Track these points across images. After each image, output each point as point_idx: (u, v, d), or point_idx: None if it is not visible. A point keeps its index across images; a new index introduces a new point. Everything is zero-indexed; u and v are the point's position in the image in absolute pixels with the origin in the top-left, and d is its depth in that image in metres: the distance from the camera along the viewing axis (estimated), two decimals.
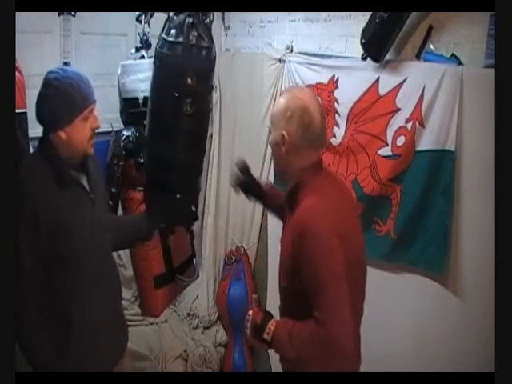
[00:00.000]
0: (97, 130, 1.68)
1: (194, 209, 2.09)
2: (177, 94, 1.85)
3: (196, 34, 1.82)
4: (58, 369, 1.60)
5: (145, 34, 2.40)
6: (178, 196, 1.98)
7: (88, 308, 1.66)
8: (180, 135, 1.92)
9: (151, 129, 1.98)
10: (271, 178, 3.05)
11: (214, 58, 1.92)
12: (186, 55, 1.83)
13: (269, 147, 2.99)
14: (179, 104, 1.86)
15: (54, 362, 1.60)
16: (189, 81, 1.85)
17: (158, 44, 1.90)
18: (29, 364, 1.59)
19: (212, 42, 1.90)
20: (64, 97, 1.57)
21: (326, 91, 2.54)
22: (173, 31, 1.84)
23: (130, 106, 2.35)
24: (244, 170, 1.91)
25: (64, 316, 1.62)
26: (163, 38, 1.86)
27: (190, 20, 1.81)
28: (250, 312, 1.58)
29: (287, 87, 2.56)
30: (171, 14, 1.89)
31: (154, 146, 1.99)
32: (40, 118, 1.61)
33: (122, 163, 2.31)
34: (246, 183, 1.91)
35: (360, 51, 2.29)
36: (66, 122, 1.58)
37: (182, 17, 1.83)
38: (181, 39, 1.82)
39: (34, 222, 1.52)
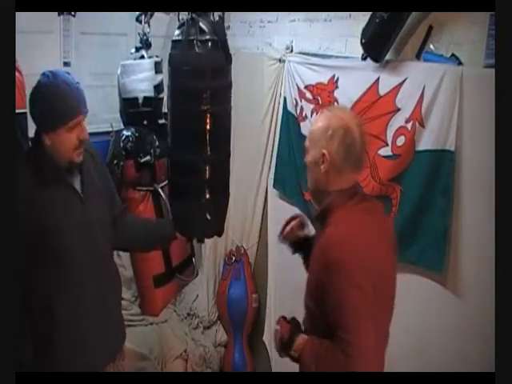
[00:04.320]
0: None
1: (209, 217, 1.95)
2: (188, 92, 1.81)
3: (196, 29, 1.80)
4: (37, 368, 1.58)
5: (145, 34, 2.40)
6: (206, 201, 1.89)
7: (74, 307, 1.64)
8: (198, 135, 1.85)
9: (173, 134, 1.92)
10: (271, 179, 3.06)
11: (225, 52, 1.86)
12: (187, 51, 1.81)
13: (269, 147, 3.05)
14: (192, 102, 1.82)
15: (32, 361, 1.59)
16: (197, 77, 1.81)
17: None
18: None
19: (217, 35, 1.86)
20: (47, 105, 1.56)
21: (325, 91, 2.54)
22: (176, 31, 1.85)
23: (129, 106, 2.35)
24: (302, 224, 1.80)
25: (48, 315, 1.60)
26: (171, 40, 1.87)
27: (189, 17, 1.80)
28: (278, 327, 1.55)
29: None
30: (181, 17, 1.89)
31: (176, 152, 1.92)
32: (31, 117, 1.62)
33: (121, 163, 2.31)
34: (300, 242, 1.79)
35: (360, 51, 2.29)
36: (48, 129, 1.57)
37: (184, 16, 1.84)
38: (181, 37, 1.82)
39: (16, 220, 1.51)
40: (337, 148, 1.45)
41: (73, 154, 1.62)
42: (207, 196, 1.90)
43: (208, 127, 1.84)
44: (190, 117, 1.85)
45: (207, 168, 1.87)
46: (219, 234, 2.10)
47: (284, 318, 1.60)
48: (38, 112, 1.59)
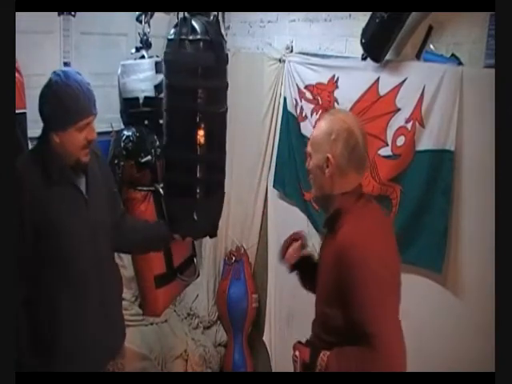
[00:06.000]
0: (97, 130, 1.68)
1: (195, 217, 1.93)
2: (180, 91, 1.83)
3: (188, 28, 1.81)
4: (37, 368, 1.58)
5: (145, 34, 2.40)
6: (197, 201, 1.89)
7: (76, 307, 1.65)
8: (190, 133, 1.87)
9: (167, 131, 1.95)
10: (271, 179, 3.06)
11: (217, 52, 1.86)
12: (178, 50, 1.82)
13: (269, 147, 3.04)
14: (184, 101, 1.85)
15: (31, 359, 1.59)
16: (188, 75, 1.83)
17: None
18: None
19: (210, 36, 1.85)
20: (60, 104, 1.57)
21: (325, 91, 2.54)
22: (172, 30, 1.87)
23: (130, 106, 2.35)
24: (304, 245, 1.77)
25: (51, 314, 1.61)
26: (166, 38, 1.89)
27: (182, 16, 1.82)
28: (297, 353, 1.53)
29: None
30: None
31: (169, 149, 1.94)
32: (40, 115, 1.62)
33: (122, 163, 2.31)
34: (299, 261, 1.77)
35: (360, 51, 2.29)
36: (59, 127, 1.59)
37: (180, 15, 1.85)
38: (173, 36, 1.83)
39: (21, 218, 1.52)
40: (341, 151, 1.46)
41: (80, 154, 1.64)
42: (198, 196, 1.91)
43: (200, 126, 1.85)
44: (182, 115, 1.87)
45: (199, 167, 1.88)
46: (211, 235, 2.09)
47: (299, 342, 1.59)
48: (48, 110, 1.59)
